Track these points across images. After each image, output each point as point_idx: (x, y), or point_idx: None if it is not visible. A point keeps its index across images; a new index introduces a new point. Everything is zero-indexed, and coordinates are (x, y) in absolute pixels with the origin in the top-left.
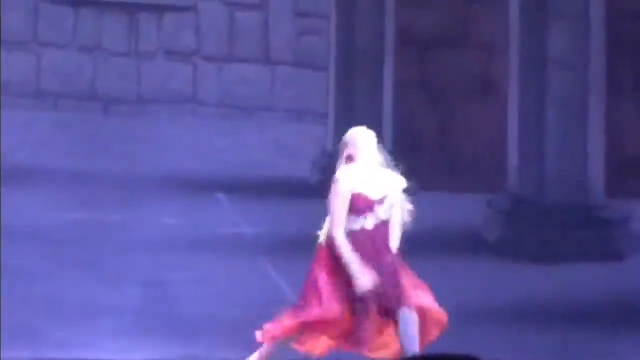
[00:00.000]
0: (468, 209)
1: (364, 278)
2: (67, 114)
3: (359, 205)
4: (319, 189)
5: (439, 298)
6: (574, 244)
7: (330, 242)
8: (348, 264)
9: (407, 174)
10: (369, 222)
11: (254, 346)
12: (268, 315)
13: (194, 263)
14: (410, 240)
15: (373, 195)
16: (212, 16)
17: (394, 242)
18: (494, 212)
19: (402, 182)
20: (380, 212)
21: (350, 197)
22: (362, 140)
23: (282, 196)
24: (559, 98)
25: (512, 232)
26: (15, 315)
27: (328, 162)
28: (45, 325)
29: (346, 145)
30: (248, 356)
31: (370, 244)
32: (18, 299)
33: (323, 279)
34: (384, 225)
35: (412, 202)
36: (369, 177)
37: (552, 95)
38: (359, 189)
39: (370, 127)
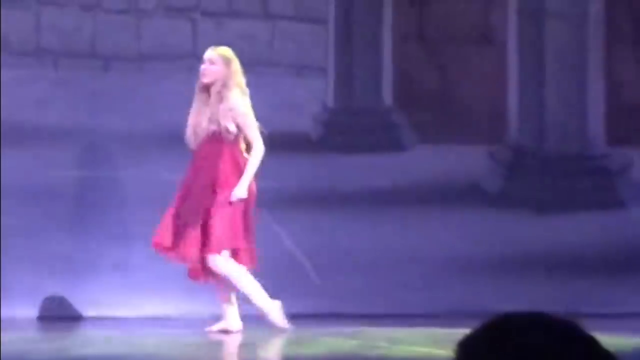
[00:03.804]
0: (468, 161)
1: None
2: (67, 72)
3: None
4: (319, 143)
5: (442, 249)
6: (575, 193)
7: None
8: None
9: (407, 126)
10: None
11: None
12: (270, 267)
13: None
14: (412, 193)
15: None
16: None
17: None
18: (495, 163)
19: None
20: None
21: None
22: None
23: (283, 150)
24: (558, 47)
25: (513, 183)
26: (19, 273)
27: (329, 116)
28: (49, 283)
29: None
30: (250, 309)
31: None
32: (21, 257)
33: None
34: None
35: (413, 155)
36: None
37: (551, 44)
38: None
39: (369, 80)
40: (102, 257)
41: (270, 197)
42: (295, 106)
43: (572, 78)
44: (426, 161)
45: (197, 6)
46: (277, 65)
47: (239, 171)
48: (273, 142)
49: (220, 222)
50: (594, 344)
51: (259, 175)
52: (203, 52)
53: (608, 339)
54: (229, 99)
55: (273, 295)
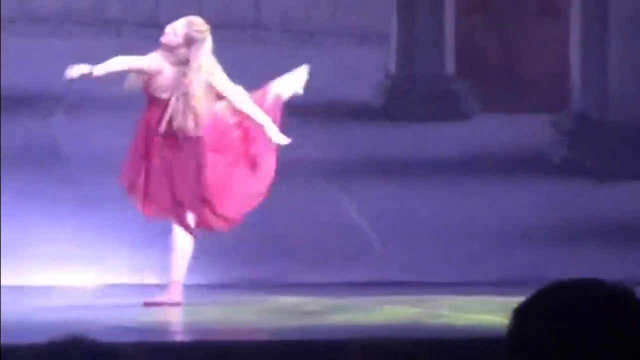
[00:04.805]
0: (532, 130)
1: None
2: (129, 41)
3: None
4: (381, 111)
5: (504, 218)
6: (638, 162)
7: None
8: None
9: (470, 95)
10: None
11: (322, 269)
12: (334, 237)
13: None
14: (474, 162)
15: None
16: None
17: None
18: (558, 132)
19: None
20: None
21: None
22: None
23: (345, 119)
24: (621, 16)
25: (576, 152)
26: (88, 241)
27: (390, 84)
28: (114, 250)
29: None
30: (315, 278)
31: None
32: (88, 225)
33: None
34: None
35: (475, 124)
36: None
37: (614, 13)
38: None
39: (431, 47)
40: (159, 223)
41: (332, 167)
42: (357, 74)
43: (635, 46)
44: (489, 130)
45: None
46: (340, 34)
47: None
48: (334, 111)
49: None
50: None
51: (320, 144)
52: (267, 21)
53: None
54: None
55: (337, 264)
